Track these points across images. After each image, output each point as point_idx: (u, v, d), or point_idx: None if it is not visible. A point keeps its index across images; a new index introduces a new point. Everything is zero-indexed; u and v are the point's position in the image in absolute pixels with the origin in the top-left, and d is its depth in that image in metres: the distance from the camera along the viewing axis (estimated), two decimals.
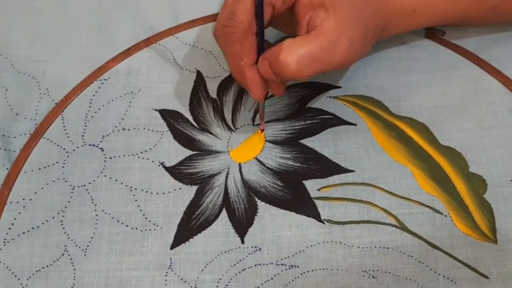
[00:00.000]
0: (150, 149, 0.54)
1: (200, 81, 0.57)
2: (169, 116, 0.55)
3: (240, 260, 0.49)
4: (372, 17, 0.49)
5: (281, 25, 0.53)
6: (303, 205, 0.51)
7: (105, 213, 0.51)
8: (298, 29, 0.48)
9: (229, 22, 0.47)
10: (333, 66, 0.47)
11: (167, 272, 0.49)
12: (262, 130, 0.53)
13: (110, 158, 0.53)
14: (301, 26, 0.48)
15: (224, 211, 0.51)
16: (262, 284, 0.48)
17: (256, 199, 0.51)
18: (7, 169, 0.53)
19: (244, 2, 0.46)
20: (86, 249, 0.50)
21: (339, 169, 0.52)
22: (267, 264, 0.49)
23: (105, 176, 0.52)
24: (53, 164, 0.53)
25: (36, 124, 0.55)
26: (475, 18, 0.54)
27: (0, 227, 0.50)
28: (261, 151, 0.53)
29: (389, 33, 0.52)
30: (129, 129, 0.55)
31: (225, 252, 0.49)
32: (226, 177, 0.52)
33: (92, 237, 0.50)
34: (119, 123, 0.55)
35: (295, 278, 0.48)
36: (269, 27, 0.52)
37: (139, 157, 0.53)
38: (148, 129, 0.55)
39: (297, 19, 0.48)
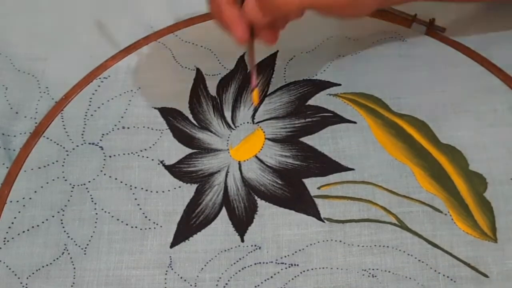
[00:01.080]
0: (150, 147, 0.54)
1: (199, 79, 0.57)
2: (169, 114, 0.55)
3: (240, 259, 0.49)
4: None
5: None
6: (303, 203, 0.50)
7: (105, 211, 0.51)
8: None
9: None
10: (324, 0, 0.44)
11: (167, 271, 0.49)
12: (253, 89, 0.50)
13: (110, 156, 0.53)
14: None
15: (224, 210, 0.51)
16: (262, 282, 0.48)
17: (256, 197, 0.51)
18: (7, 168, 0.53)
19: None
20: (86, 248, 0.50)
21: (339, 167, 0.52)
22: (267, 263, 0.49)
23: (104, 174, 0.52)
24: (53, 162, 0.53)
25: (36, 122, 0.55)
26: None
27: (0, 226, 0.51)
28: (261, 149, 0.53)
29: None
30: (128, 128, 0.55)
31: (225, 250, 0.49)
32: (226, 175, 0.52)
33: (92, 236, 0.50)
34: (119, 121, 0.55)
35: (295, 276, 0.48)
36: None
37: (138, 155, 0.53)
38: (148, 128, 0.55)
39: None
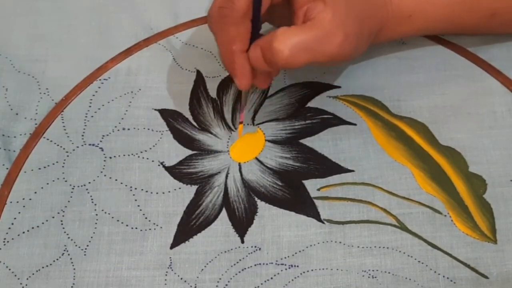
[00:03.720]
0: (150, 148, 0.54)
1: (200, 81, 0.57)
2: (169, 116, 0.55)
3: (240, 260, 0.49)
4: (369, 16, 0.49)
5: (278, 19, 0.52)
6: (303, 205, 0.51)
7: (105, 212, 0.51)
8: (295, 20, 0.48)
9: (227, 4, 0.46)
10: (326, 57, 0.47)
11: (167, 272, 0.49)
12: (241, 122, 0.53)
13: (110, 157, 0.53)
14: (297, 17, 0.47)
15: (224, 211, 0.51)
16: (262, 283, 0.48)
17: (256, 198, 0.51)
18: (7, 169, 0.53)
19: None
20: (86, 248, 0.50)
21: (339, 169, 0.52)
22: (267, 264, 0.49)
23: (105, 175, 0.52)
24: (53, 163, 0.53)
25: (36, 124, 0.55)
26: (473, 27, 0.54)
27: (0, 227, 0.50)
28: (261, 151, 0.53)
29: (385, 36, 0.52)
30: (129, 129, 0.55)
31: (225, 251, 0.49)
32: (226, 176, 0.52)
33: (92, 237, 0.50)
34: (119, 123, 0.55)
35: (295, 277, 0.48)
36: (265, 23, 0.51)
37: (139, 156, 0.53)
38: (148, 129, 0.55)
39: (294, 10, 0.48)
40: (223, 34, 0.47)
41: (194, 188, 0.52)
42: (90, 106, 0.56)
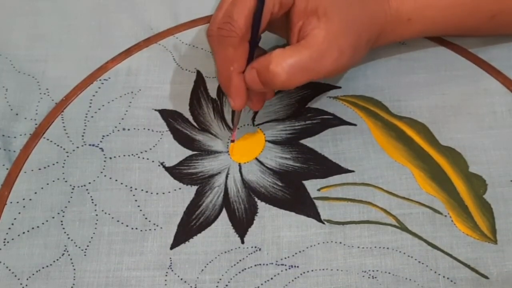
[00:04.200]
0: (150, 149, 0.54)
1: (200, 81, 0.57)
2: (169, 116, 0.55)
3: (240, 260, 0.49)
4: (367, 25, 0.49)
5: (276, 30, 0.53)
6: (303, 205, 0.51)
7: (105, 213, 0.51)
8: (290, 36, 0.48)
9: (225, 26, 0.46)
10: (322, 75, 0.48)
11: (167, 272, 0.49)
12: (233, 141, 0.53)
13: (110, 158, 0.53)
14: (293, 33, 0.48)
15: (224, 211, 0.51)
16: (262, 284, 0.48)
17: (256, 199, 0.51)
18: (7, 169, 0.53)
19: (242, 6, 0.46)
20: (86, 249, 0.50)
21: (339, 169, 0.52)
22: (267, 264, 0.49)
23: (105, 176, 0.52)
24: (53, 164, 0.53)
25: (36, 124, 0.55)
26: (474, 28, 0.54)
27: (0, 227, 0.50)
28: (261, 151, 0.53)
29: (384, 41, 0.52)
30: (129, 129, 0.55)
31: (225, 252, 0.49)
32: (226, 177, 0.52)
33: (92, 237, 0.50)
34: (119, 123, 0.55)
35: (295, 278, 0.48)
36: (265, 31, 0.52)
37: (139, 157, 0.53)
38: (148, 129, 0.55)
39: (290, 26, 0.48)
40: (222, 53, 0.48)
41: (194, 188, 0.52)
42: (90, 106, 0.56)
